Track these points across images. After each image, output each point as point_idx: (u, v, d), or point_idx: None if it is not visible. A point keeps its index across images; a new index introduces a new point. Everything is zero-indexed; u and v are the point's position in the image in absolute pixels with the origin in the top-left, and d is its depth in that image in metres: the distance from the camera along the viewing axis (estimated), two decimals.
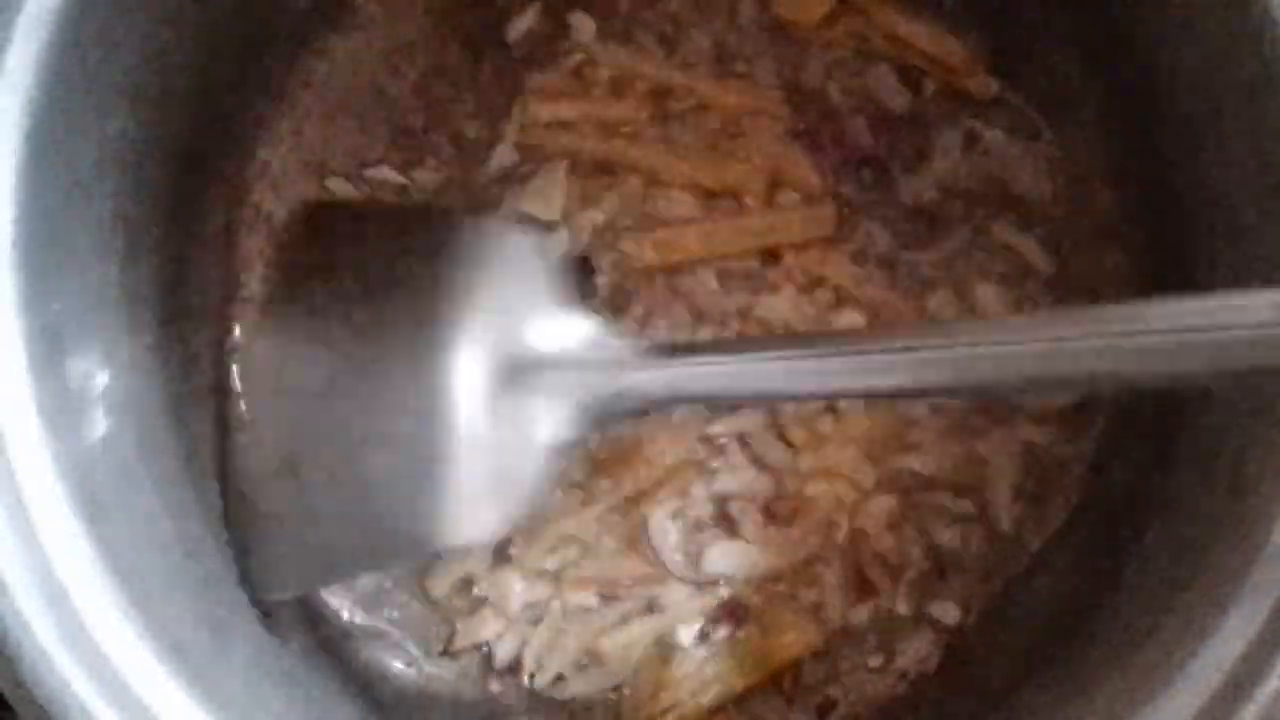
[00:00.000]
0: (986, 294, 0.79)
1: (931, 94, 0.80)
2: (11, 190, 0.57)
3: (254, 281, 0.79)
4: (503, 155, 0.79)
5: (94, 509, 0.59)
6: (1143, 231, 0.77)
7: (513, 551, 0.77)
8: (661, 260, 0.78)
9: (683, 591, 0.77)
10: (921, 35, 0.78)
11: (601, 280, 0.78)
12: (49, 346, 0.59)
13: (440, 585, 0.78)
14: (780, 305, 0.77)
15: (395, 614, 0.78)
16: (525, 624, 0.77)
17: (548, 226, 0.78)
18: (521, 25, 0.80)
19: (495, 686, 0.77)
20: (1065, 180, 0.79)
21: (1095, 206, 0.78)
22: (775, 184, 0.78)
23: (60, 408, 0.59)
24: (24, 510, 0.56)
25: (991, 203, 0.79)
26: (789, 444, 0.78)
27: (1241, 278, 0.65)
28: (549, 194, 0.78)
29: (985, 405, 0.77)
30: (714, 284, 0.78)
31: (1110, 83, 0.76)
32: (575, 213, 0.79)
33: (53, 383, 0.59)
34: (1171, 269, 0.73)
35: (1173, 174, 0.71)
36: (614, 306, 0.78)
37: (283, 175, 0.79)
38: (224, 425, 0.77)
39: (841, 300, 0.78)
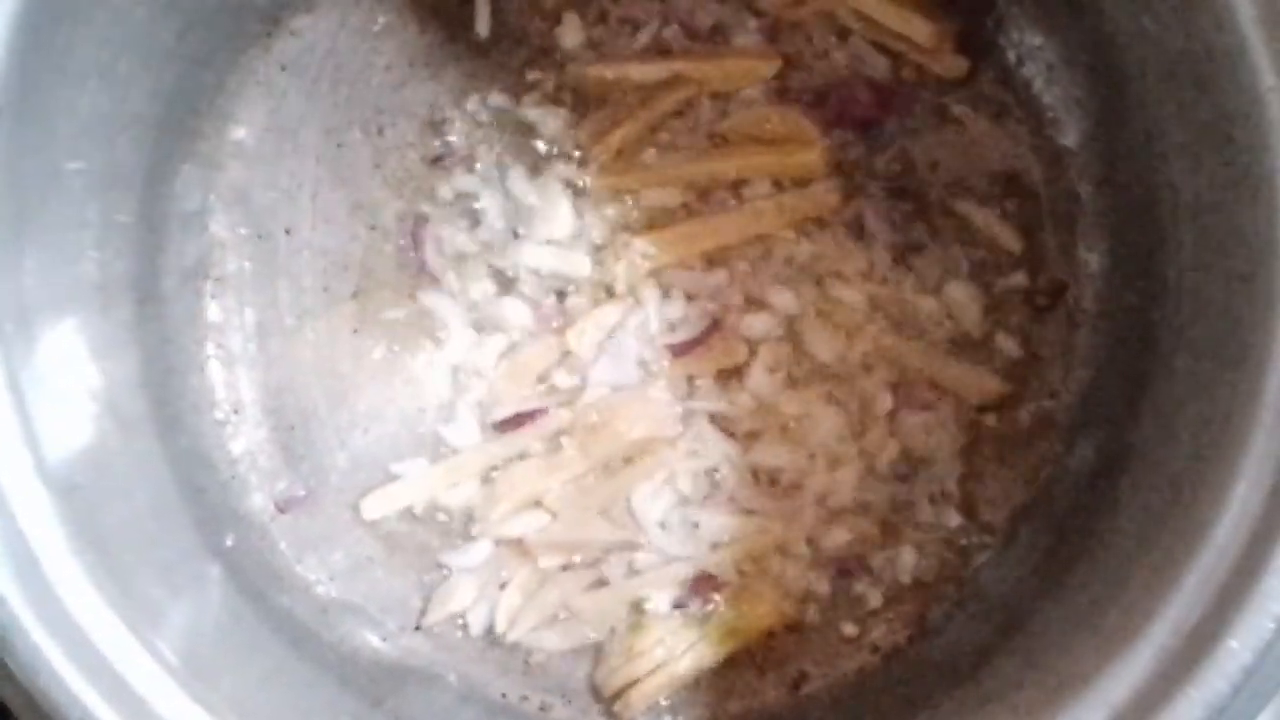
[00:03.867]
0: (955, 274, 0.79)
1: (902, 73, 0.80)
2: None
3: (226, 261, 0.79)
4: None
5: (67, 485, 0.59)
6: (1111, 207, 0.78)
7: (474, 513, 0.78)
8: (665, 261, 0.79)
9: (657, 559, 0.77)
10: (890, 14, 0.78)
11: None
12: (21, 322, 0.60)
13: (374, 509, 0.78)
14: (781, 290, 0.78)
15: (371, 588, 0.78)
16: (495, 588, 0.78)
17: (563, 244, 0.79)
18: (486, 17, 0.81)
19: (471, 659, 0.78)
20: (1034, 158, 0.79)
21: (1063, 182, 0.79)
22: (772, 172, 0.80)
23: (33, 384, 0.60)
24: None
25: (962, 180, 0.79)
26: (757, 418, 0.78)
27: (1204, 250, 0.66)
28: (557, 218, 0.79)
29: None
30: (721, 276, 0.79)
31: (1078, 60, 0.76)
32: (583, 230, 0.80)
33: (25, 359, 0.60)
34: (1137, 244, 0.73)
35: (1140, 148, 0.71)
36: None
37: (257, 154, 0.79)
38: (198, 405, 0.78)
39: (839, 277, 0.79)
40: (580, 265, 0.79)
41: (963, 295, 0.79)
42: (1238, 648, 0.53)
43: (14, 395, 0.58)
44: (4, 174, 0.59)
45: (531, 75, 0.81)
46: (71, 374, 0.65)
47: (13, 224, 0.60)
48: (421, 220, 0.80)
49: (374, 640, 0.78)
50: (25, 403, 0.58)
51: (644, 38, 0.81)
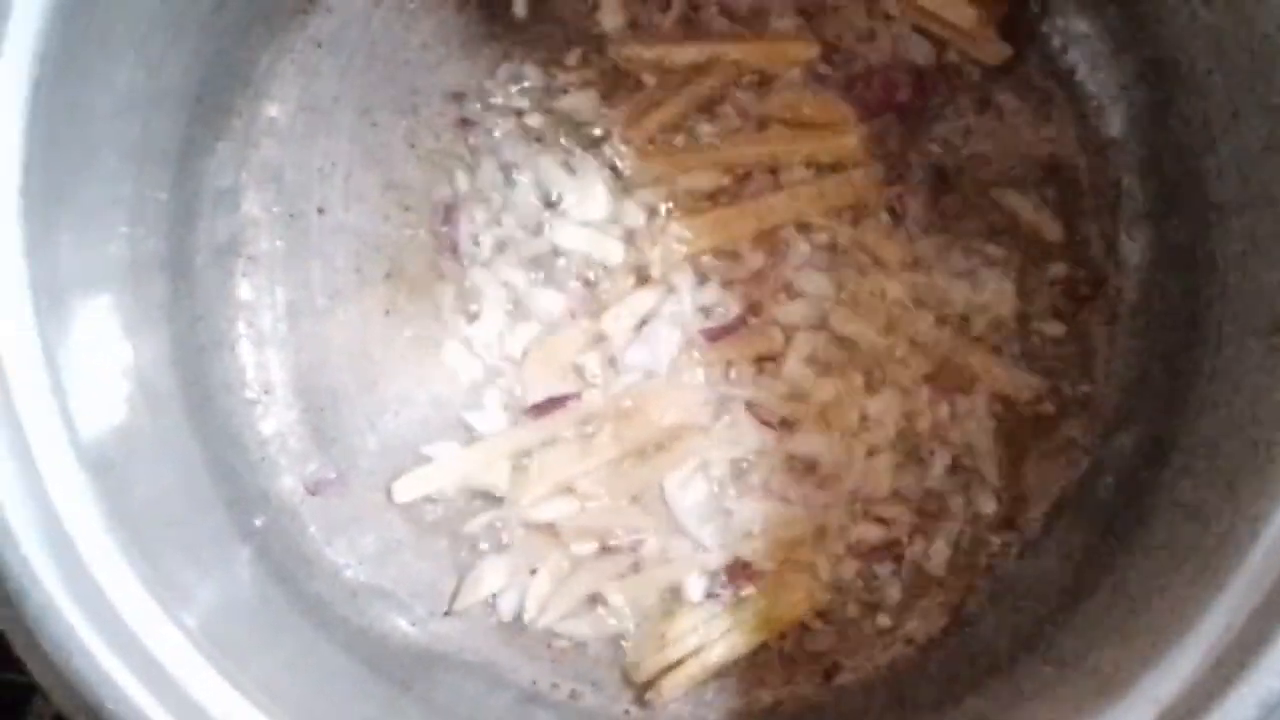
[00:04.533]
0: (994, 262, 0.78)
1: (944, 59, 0.79)
2: (21, 137, 0.56)
3: (259, 240, 0.79)
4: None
5: (100, 464, 0.58)
6: (1155, 197, 0.77)
7: (505, 497, 0.77)
8: (701, 246, 0.78)
9: (689, 547, 0.76)
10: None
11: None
12: (55, 299, 0.59)
13: (405, 492, 0.78)
14: (819, 276, 0.77)
15: (401, 572, 0.78)
16: (525, 574, 0.77)
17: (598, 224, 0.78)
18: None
19: (500, 645, 0.77)
20: (1077, 146, 0.78)
21: (1107, 171, 0.78)
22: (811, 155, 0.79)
23: (68, 361, 0.59)
24: (33, 464, 0.55)
25: (1003, 168, 0.78)
26: (793, 406, 0.77)
27: (1252, 242, 0.65)
28: (593, 200, 0.78)
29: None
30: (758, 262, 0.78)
31: (1122, 45, 0.75)
32: (619, 213, 0.79)
33: (60, 337, 0.59)
34: (1182, 235, 0.73)
35: (1187, 138, 0.70)
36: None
37: (291, 132, 0.79)
38: (229, 385, 0.77)
39: (878, 264, 0.78)
40: (613, 251, 0.78)
41: (1002, 284, 0.78)
42: None
43: (50, 373, 0.57)
44: (40, 149, 0.58)
45: (569, 56, 0.80)
46: (104, 351, 0.65)
47: (48, 200, 0.58)
48: (455, 201, 0.79)
49: (403, 625, 0.77)
50: (61, 379, 0.57)
51: (683, 20, 0.80)
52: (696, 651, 0.76)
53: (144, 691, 0.54)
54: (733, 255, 0.78)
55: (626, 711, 0.77)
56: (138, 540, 0.58)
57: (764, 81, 0.79)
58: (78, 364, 0.60)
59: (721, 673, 0.76)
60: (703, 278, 0.78)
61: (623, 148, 0.79)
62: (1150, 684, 0.55)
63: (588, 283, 0.79)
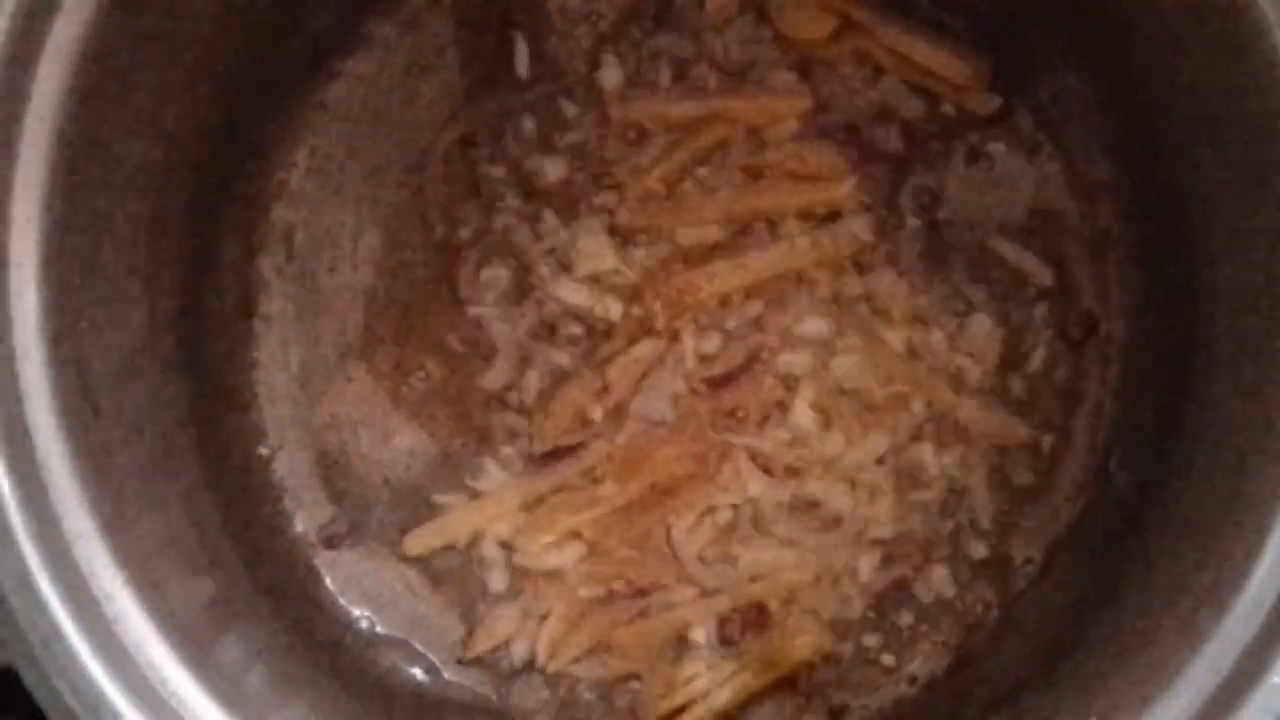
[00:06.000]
0: (986, 308, 0.80)
1: (935, 110, 0.81)
2: (39, 209, 0.59)
3: (271, 301, 0.81)
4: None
5: (120, 519, 0.60)
6: (1144, 243, 0.78)
7: (515, 545, 0.79)
8: (702, 297, 0.80)
9: (696, 591, 0.78)
10: (923, 52, 0.79)
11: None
12: (76, 354, 0.61)
13: (417, 545, 0.80)
14: (819, 324, 0.79)
15: (414, 622, 0.79)
16: (536, 621, 0.79)
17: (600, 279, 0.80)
18: (525, 56, 0.82)
19: (513, 693, 0.79)
20: (1067, 194, 0.80)
21: (1096, 218, 0.80)
22: (806, 207, 0.81)
23: (88, 421, 0.61)
24: (55, 521, 0.57)
25: (994, 216, 0.80)
26: (796, 452, 0.79)
27: (1241, 281, 0.67)
28: (598, 252, 0.80)
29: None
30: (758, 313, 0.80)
31: (1109, 96, 0.77)
32: (621, 266, 0.81)
33: (79, 395, 0.61)
34: (1172, 278, 0.74)
35: (1172, 180, 0.72)
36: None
37: (301, 195, 0.81)
38: (243, 440, 0.79)
39: (877, 313, 0.79)
40: (613, 308, 0.80)
41: (994, 330, 0.80)
42: None
43: (71, 433, 0.59)
44: (58, 219, 0.60)
45: (570, 113, 0.82)
46: (118, 408, 0.66)
47: (67, 267, 0.61)
48: (462, 258, 0.81)
49: (418, 674, 0.79)
50: (83, 436, 0.60)
51: (679, 77, 0.82)
52: (704, 695, 0.77)
53: None
54: (733, 306, 0.80)
55: None
56: (159, 595, 0.60)
57: (758, 135, 0.81)
58: (95, 419, 0.62)
59: (729, 715, 0.78)
60: (704, 328, 0.80)
61: (624, 202, 0.81)
62: (1155, 714, 0.57)
63: (592, 334, 0.80)
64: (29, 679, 0.56)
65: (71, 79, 0.59)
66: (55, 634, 0.56)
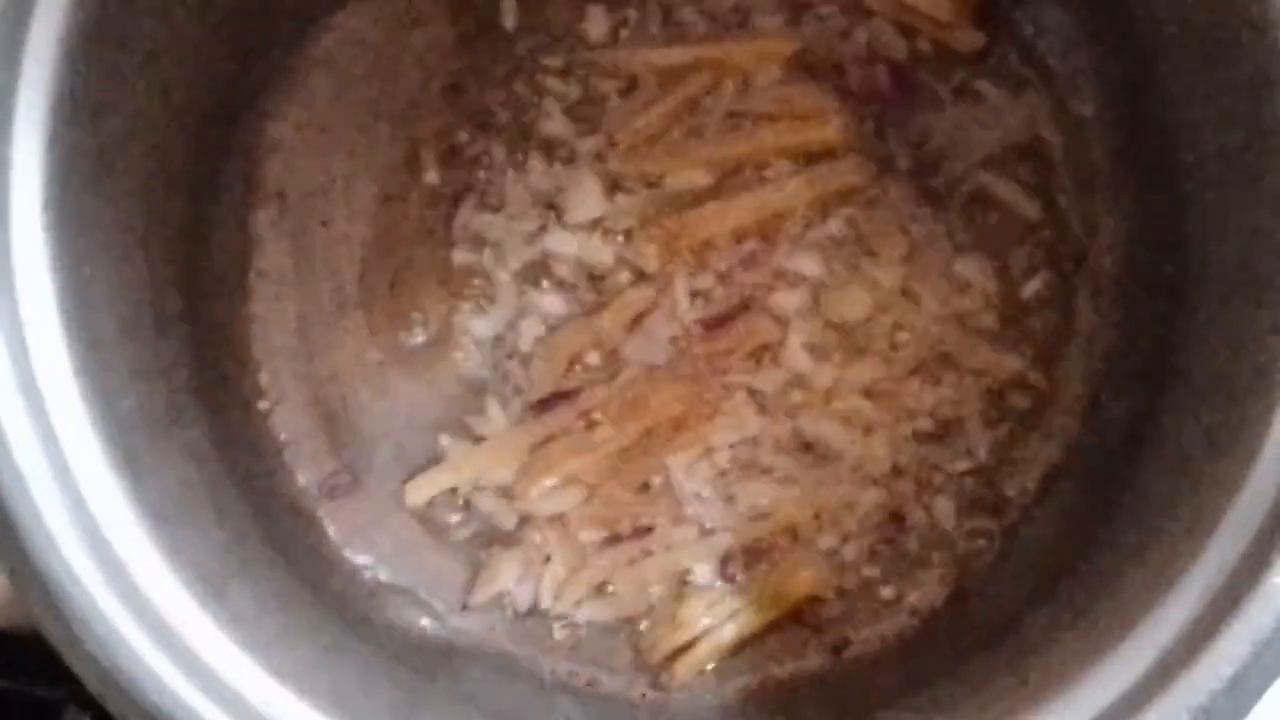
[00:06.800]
0: (974, 247, 0.81)
1: (921, 50, 0.81)
2: (41, 156, 0.59)
3: (266, 256, 0.81)
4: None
5: (132, 468, 0.61)
6: (1132, 177, 0.79)
7: (514, 491, 0.80)
8: (694, 241, 0.80)
9: (696, 531, 0.79)
10: None
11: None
12: (81, 310, 0.61)
13: (418, 493, 0.80)
14: (810, 264, 0.80)
15: (418, 570, 0.80)
16: (538, 565, 0.80)
17: (591, 225, 0.81)
18: (513, 8, 0.83)
19: (518, 637, 0.80)
20: (1053, 128, 0.81)
21: (1084, 152, 0.80)
22: (795, 147, 0.81)
23: (94, 373, 0.61)
24: (68, 469, 0.58)
25: (982, 152, 0.81)
26: (791, 391, 0.80)
27: (1229, 220, 0.67)
28: (588, 199, 0.81)
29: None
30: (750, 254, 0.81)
31: (1094, 29, 0.78)
32: (612, 213, 0.81)
33: (86, 348, 0.62)
34: (1159, 208, 0.75)
35: (1162, 117, 0.72)
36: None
37: (292, 149, 0.81)
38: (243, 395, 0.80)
39: (868, 252, 0.80)
40: (604, 254, 0.81)
41: (985, 265, 0.81)
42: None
43: (80, 383, 0.60)
44: (61, 168, 0.61)
45: (557, 63, 0.82)
46: (126, 364, 0.67)
47: (70, 216, 0.61)
48: (454, 209, 0.82)
49: (423, 621, 0.79)
50: (91, 391, 0.60)
51: (666, 24, 0.82)
52: (708, 632, 0.78)
53: (187, 684, 0.57)
54: (725, 248, 0.81)
55: (643, 695, 0.79)
56: (171, 541, 0.60)
57: (746, 79, 0.82)
58: (102, 372, 0.62)
59: (733, 652, 0.79)
60: (697, 271, 0.81)
61: (614, 150, 0.82)
62: (1150, 628, 0.58)
63: (586, 281, 0.81)
64: (51, 630, 0.57)
65: (69, 22, 0.59)
66: (74, 582, 0.56)
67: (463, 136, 0.82)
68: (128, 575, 0.58)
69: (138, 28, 0.65)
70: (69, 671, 0.72)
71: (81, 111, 0.61)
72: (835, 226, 0.81)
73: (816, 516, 0.79)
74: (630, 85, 0.82)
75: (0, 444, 0.56)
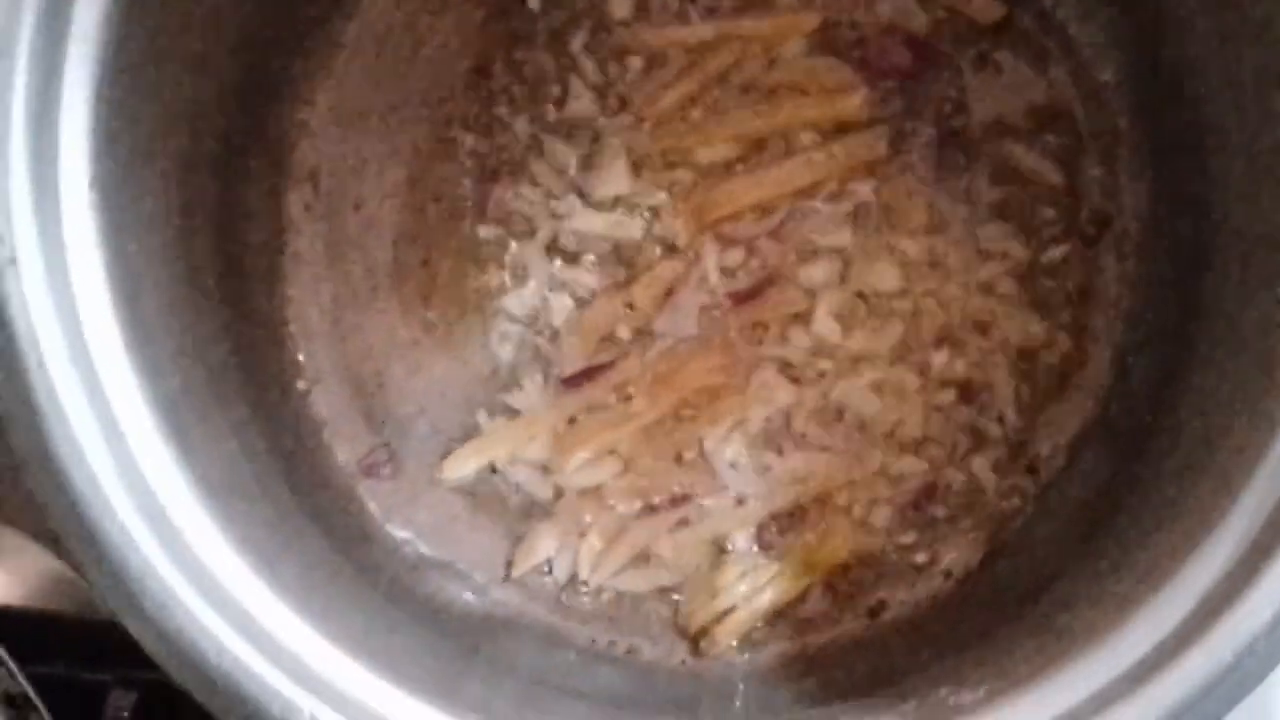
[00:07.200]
0: (999, 216, 0.82)
1: (941, 22, 0.82)
2: (87, 137, 0.60)
3: (300, 239, 0.82)
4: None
5: (183, 443, 0.62)
6: (1153, 141, 0.80)
7: (551, 465, 0.81)
8: (722, 215, 0.82)
9: (731, 500, 0.80)
10: None
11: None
12: (127, 284, 0.62)
13: (456, 468, 0.82)
14: (838, 236, 0.81)
15: (458, 544, 0.81)
16: (576, 537, 0.81)
17: (618, 202, 0.82)
18: None
19: (558, 608, 0.81)
20: (1074, 95, 0.82)
21: (1105, 117, 0.81)
22: (819, 121, 0.82)
23: (143, 348, 0.62)
24: (124, 441, 0.59)
25: (1004, 121, 0.82)
26: (821, 360, 0.81)
27: (1250, 191, 0.68)
28: (615, 174, 0.82)
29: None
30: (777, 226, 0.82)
31: None
32: (641, 190, 0.82)
33: (134, 325, 0.62)
34: (1182, 172, 0.76)
35: (1180, 75, 0.73)
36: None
37: (323, 133, 0.82)
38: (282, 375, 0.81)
39: (894, 223, 0.81)
40: (634, 229, 0.82)
41: (1009, 232, 0.82)
42: None
43: (131, 359, 0.61)
44: (105, 150, 0.61)
45: (583, 43, 0.83)
46: (171, 344, 0.68)
47: (116, 194, 0.62)
48: (485, 187, 0.83)
49: (465, 594, 0.80)
50: (142, 370, 0.61)
51: (690, 1, 0.84)
52: (745, 599, 0.79)
53: (245, 646, 0.58)
54: (753, 221, 0.82)
55: (683, 662, 0.80)
56: (224, 512, 0.62)
57: (770, 54, 0.83)
58: (150, 347, 0.63)
59: (771, 619, 0.80)
60: (726, 244, 0.82)
61: (641, 127, 0.83)
62: (1188, 575, 0.59)
63: (616, 256, 0.82)
64: (111, 596, 0.58)
65: (109, 11, 0.61)
66: (131, 547, 0.57)
67: (491, 117, 0.83)
68: (184, 542, 0.59)
69: (171, 20, 0.66)
70: (113, 654, 0.74)
71: (122, 91, 0.62)
72: (861, 198, 0.82)
73: (850, 483, 0.80)
74: (655, 62, 0.83)
75: (58, 416, 0.57)
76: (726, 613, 0.79)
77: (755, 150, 0.83)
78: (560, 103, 0.83)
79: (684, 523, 0.80)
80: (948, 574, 0.80)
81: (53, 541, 0.58)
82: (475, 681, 0.71)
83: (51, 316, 0.57)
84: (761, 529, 0.80)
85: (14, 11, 0.57)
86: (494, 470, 0.82)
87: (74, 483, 0.57)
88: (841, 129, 0.82)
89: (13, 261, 0.56)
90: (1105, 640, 0.60)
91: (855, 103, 0.82)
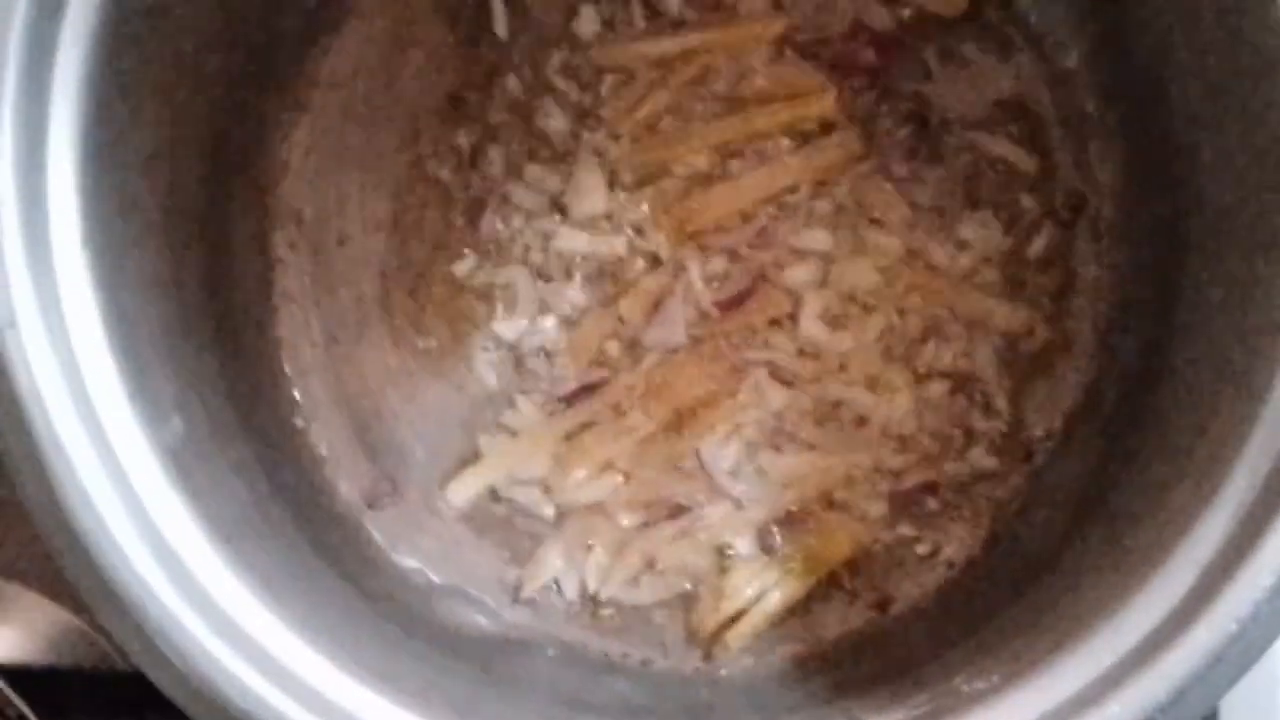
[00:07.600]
0: (975, 206, 0.83)
1: (904, 19, 0.84)
2: (74, 184, 0.61)
3: (287, 277, 0.83)
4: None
5: (189, 487, 0.63)
6: (1122, 123, 0.81)
7: (551, 483, 0.82)
8: (702, 224, 0.83)
9: (732, 506, 0.81)
10: None
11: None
12: (124, 335, 0.63)
13: (460, 492, 0.82)
14: (818, 238, 0.82)
15: (466, 569, 0.82)
16: (582, 553, 0.82)
17: (599, 219, 0.83)
18: (503, 16, 0.85)
19: (570, 624, 0.81)
20: (1040, 83, 0.83)
21: (1073, 103, 0.83)
22: (791, 125, 0.83)
23: (146, 401, 0.63)
24: (133, 492, 0.60)
25: (973, 113, 0.83)
26: (811, 361, 0.82)
27: (1221, 166, 0.69)
28: (593, 192, 0.83)
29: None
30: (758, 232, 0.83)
31: None
32: (619, 206, 0.83)
33: (135, 373, 0.63)
34: (1153, 153, 0.77)
35: (1145, 61, 0.75)
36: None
37: (304, 170, 0.83)
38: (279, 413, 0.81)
39: (873, 221, 0.83)
40: (615, 245, 0.83)
41: (986, 221, 0.83)
42: None
43: (134, 409, 0.61)
44: (91, 198, 0.62)
45: (552, 64, 0.84)
46: (168, 395, 0.68)
47: (105, 245, 0.63)
48: (467, 215, 0.84)
49: (477, 618, 0.81)
50: (142, 418, 0.62)
51: (654, 16, 0.85)
52: (754, 602, 0.80)
53: (266, 684, 0.58)
54: (733, 229, 0.83)
55: (696, 669, 0.80)
56: (234, 553, 0.62)
57: (738, 62, 0.84)
58: (151, 394, 0.64)
59: (781, 620, 0.80)
60: (708, 254, 0.83)
61: (615, 143, 0.84)
62: (1187, 549, 0.60)
63: (602, 273, 0.83)
64: (133, 651, 0.58)
65: (89, 58, 0.61)
66: (149, 596, 0.58)
67: (469, 144, 0.84)
68: (199, 586, 0.59)
69: (154, 56, 0.66)
70: (129, 706, 0.75)
71: (103, 135, 0.63)
72: (838, 198, 0.83)
73: (847, 480, 0.81)
74: (626, 79, 0.84)
75: (66, 470, 0.57)
76: (736, 618, 0.80)
77: (730, 159, 0.84)
78: (535, 125, 0.84)
79: (687, 532, 0.81)
80: (950, 564, 0.81)
81: (69, 598, 0.58)
82: (494, 703, 0.72)
83: (54, 374, 0.58)
84: (763, 532, 0.81)
85: None
86: (496, 498, 0.82)
87: (87, 534, 0.57)
88: (814, 132, 0.83)
89: (12, 325, 0.57)
90: (1111, 619, 0.61)
91: (826, 104, 0.83)
